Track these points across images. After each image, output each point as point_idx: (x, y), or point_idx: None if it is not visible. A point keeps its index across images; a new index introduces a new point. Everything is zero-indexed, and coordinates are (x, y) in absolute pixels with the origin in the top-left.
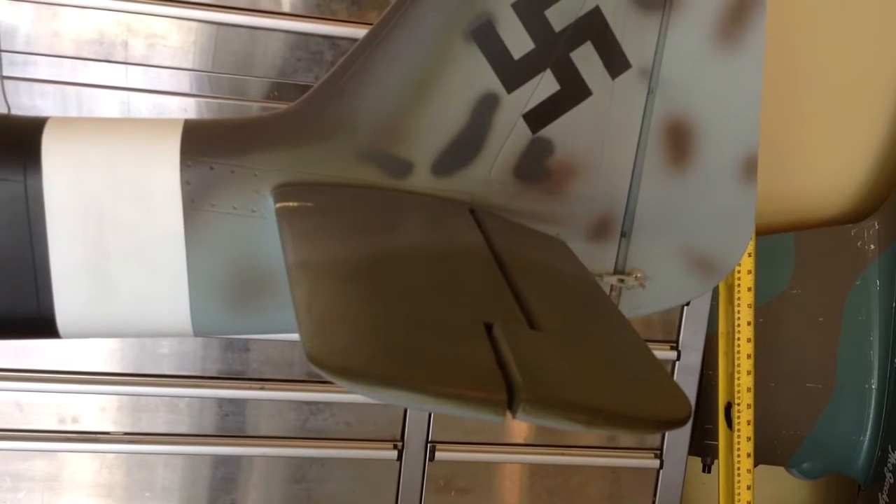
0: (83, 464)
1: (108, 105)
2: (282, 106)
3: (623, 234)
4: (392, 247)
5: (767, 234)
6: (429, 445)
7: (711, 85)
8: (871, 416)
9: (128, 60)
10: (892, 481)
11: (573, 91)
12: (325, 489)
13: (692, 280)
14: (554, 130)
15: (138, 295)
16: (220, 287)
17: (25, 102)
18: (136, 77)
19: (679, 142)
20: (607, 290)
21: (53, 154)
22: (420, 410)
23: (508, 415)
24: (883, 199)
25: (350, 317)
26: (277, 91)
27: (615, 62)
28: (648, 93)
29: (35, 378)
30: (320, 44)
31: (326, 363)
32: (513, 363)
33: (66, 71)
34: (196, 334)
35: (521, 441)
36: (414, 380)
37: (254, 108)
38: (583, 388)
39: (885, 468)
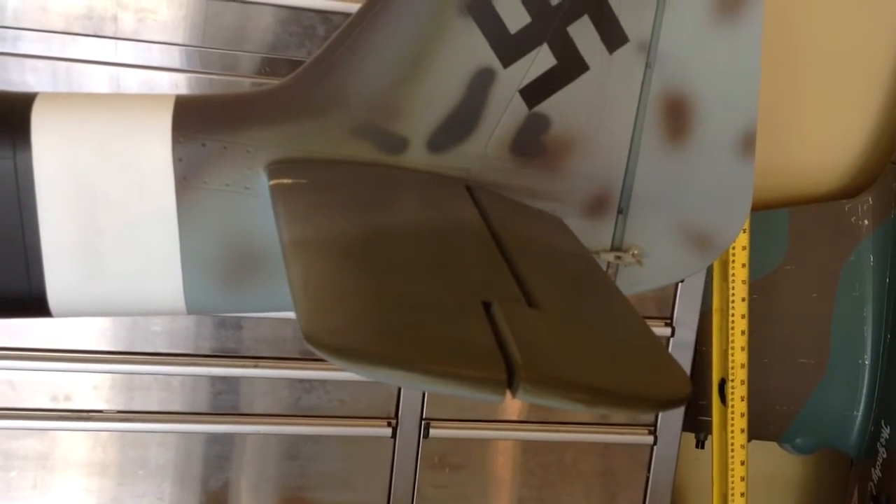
0: (76, 442)
1: (98, 81)
2: (273, 81)
3: (620, 211)
4: (388, 224)
5: (761, 210)
6: (423, 423)
7: (710, 59)
8: (865, 391)
9: (117, 35)
10: (884, 456)
11: (570, 66)
12: (319, 467)
13: (690, 256)
14: (551, 106)
15: (131, 273)
16: (214, 265)
17: (15, 78)
18: (126, 52)
19: (677, 117)
20: (604, 268)
21: (43, 130)
22: (419, 390)
23: (508, 394)
24: (877, 175)
25: (347, 295)
26: (269, 66)
27: (613, 36)
28: (646, 67)
29: (27, 356)
30: (312, 18)
31: (324, 342)
32: (512, 342)
33: (56, 46)
34: (189, 312)
35: (515, 418)
36: (412, 359)
37: (245, 84)
38: (583, 367)
39: (878, 443)
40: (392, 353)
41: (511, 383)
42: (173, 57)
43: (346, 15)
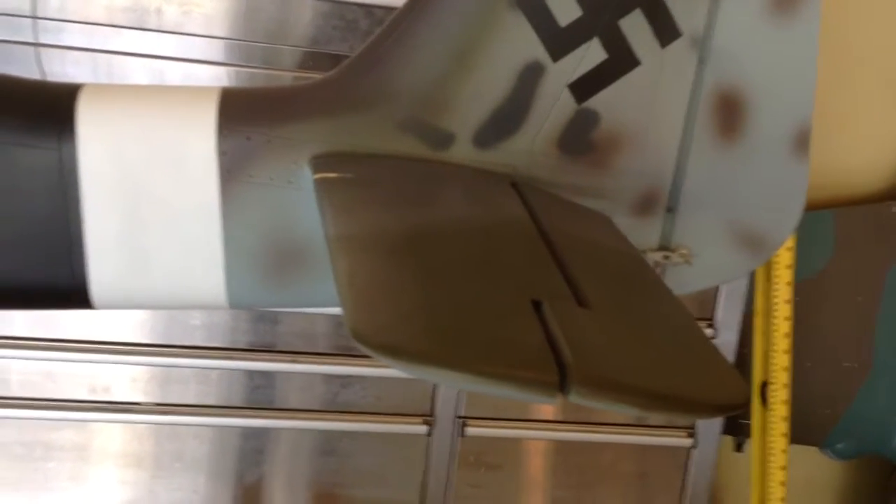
0: (113, 434)
1: (140, 74)
2: (316, 76)
3: (669, 209)
4: (434, 220)
5: (806, 211)
6: (459, 421)
7: (765, 56)
8: None
9: (161, 28)
10: None
11: (621, 60)
12: (354, 463)
13: (740, 257)
14: (600, 101)
15: (173, 267)
16: (257, 259)
17: (58, 70)
18: (168, 45)
19: (730, 114)
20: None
21: (88, 121)
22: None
23: (560, 396)
24: None
25: (394, 292)
26: (312, 61)
27: (665, 30)
28: (699, 62)
29: (66, 348)
30: (355, 12)
31: (371, 340)
32: (564, 343)
33: (99, 38)
34: (231, 307)
35: (551, 417)
36: (462, 359)
37: (287, 78)
38: (637, 370)
39: None
40: (440, 351)
41: (563, 385)
42: (215, 50)
43: (390, 9)
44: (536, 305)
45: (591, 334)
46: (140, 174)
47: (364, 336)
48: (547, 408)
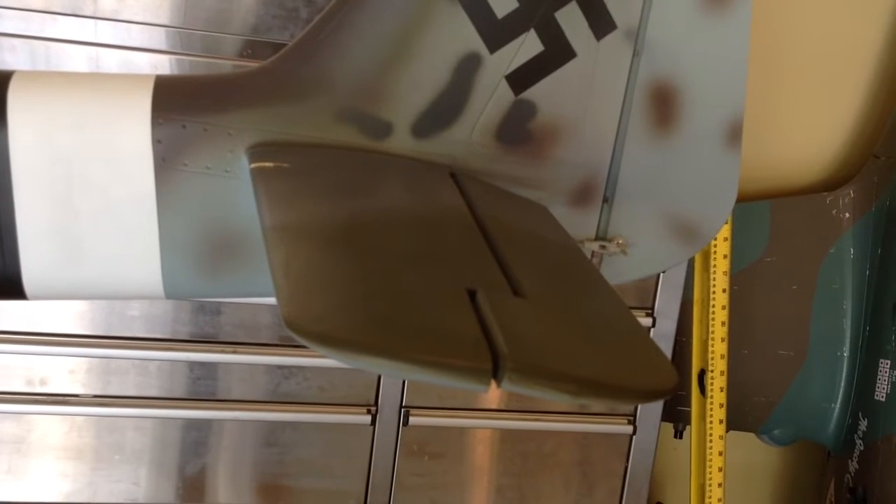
0: (52, 426)
1: (77, 61)
2: (255, 64)
3: (605, 200)
4: (371, 210)
5: (743, 202)
6: (403, 410)
7: (698, 49)
8: (843, 383)
9: (96, 15)
10: (861, 448)
11: (557, 52)
12: (297, 453)
13: (674, 246)
14: (537, 92)
15: (108, 256)
16: (193, 249)
17: None
18: (106, 32)
19: (664, 106)
20: (588, 257)
21: (20, 109)
22: (403, 379)
23: (493, 384)
24: (858, 168)
25: (329, 282)
26: (251, 49)
27: (600, 23)
28: (634, 55)
29: (2, 339)
30: (296, 1)
31: (305, 329)
32: (497, 331)
33: (35, 25)
34: (168, 297)
35: (494, 406)
36: (396, 348)
37: (226, 66)
38: (569, 358)
39: (856, 435)
40: (375, 341)
41: (496, 373)
42: (154, 38)
43: None
44: (472, 295)
45: (525, 323)
46: (73, 162)
47: (298, 325)
48: (489, 397)
